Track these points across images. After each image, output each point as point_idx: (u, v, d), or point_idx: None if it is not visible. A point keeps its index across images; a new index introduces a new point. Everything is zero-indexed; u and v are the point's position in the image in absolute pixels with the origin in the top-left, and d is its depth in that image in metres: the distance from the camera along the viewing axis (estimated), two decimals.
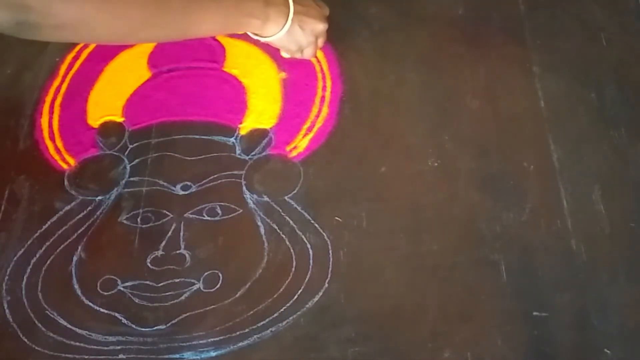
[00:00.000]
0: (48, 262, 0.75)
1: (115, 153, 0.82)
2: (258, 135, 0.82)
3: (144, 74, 0.89)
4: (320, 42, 0.82)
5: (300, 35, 0.76)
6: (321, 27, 0.78)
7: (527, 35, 0.88)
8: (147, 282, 0.74)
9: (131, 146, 0.82)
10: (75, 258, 0.75)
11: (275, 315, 0.71)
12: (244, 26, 0.71)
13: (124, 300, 0.73)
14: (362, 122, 0.83)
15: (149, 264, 0.75)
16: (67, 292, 0.73)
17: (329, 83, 0.86)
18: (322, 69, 0.87)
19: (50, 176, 0.80)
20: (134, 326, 0.71)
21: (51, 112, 0.86)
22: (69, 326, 0.71)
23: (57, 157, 0.82)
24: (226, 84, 0.87)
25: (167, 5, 0.61)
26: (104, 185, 0.80)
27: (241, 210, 0.77)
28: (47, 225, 0.77)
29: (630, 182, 0.77)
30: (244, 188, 0.79)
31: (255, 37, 0.77)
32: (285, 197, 0.78)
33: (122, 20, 0.58)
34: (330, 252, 0.74)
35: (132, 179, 0.80)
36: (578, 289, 0.71)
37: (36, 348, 0.70)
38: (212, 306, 0.72)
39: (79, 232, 0.77)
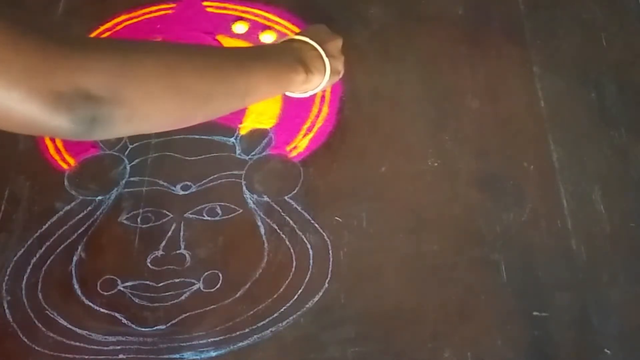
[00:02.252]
0: (48, 262, 0.75)
1: (115, 153, 0.82)
2: (258, 135, 0.82)
3: None
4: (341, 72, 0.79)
5: (335, 64, 0.73)
6: (340, 41, 0.76)
7: (527, 35, 0.88)
8: (147, 282, 0.74)
9: (131, 146, 0.82)
10: (75, 258, 0.75)
11: (275, 315, 0.71)
12: (293, 82, 0.67)
13: (124, 300, 0.73)
14: (362, 122, 0.83)
15: (149, 264, 0.75)
16: (67, 292, 0.73)
17: None
18: None
19: (50, 176, 0.80)
20: (134, 326, 0.71)
21: None
22: (69, 326, 0.71)
23: (57, 157, 0.82)
24: None
25: (225, 71, 0.58)
26: (104, 185, 0.80)
27: (241, 210, 0.77)
28: (47, 225, 0.77)
29: (630, 182, 0.77)
30: (244, 188, 0.79)
31: (303, 95, 0.73)
32: (285, 197, 0.78)
33: (188, 95, 0.54)
34: (330, 252, 0.74)
35: (132, 179, 0.80)
36: (578, 289, 0.71)
37: (36, 348, 0.70)
38: (212, 306, 0.72)
39: (79, 232, 0.77)
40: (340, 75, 0.78)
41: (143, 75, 0.50)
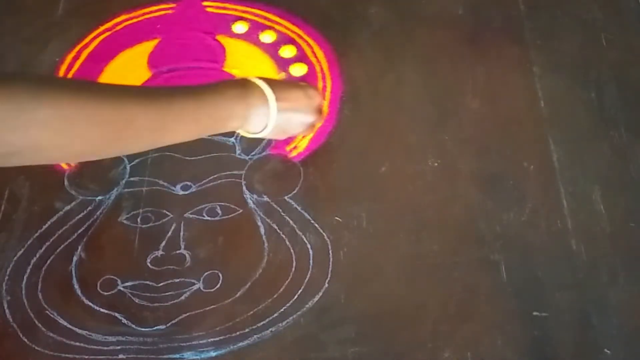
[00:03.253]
0: (48, 262, 0.75)
1: None
2: None
3: (144, 74, 0.89)
4: (316, 125, 0.74)
5: (288, 128, 0.68)
6: (310, 119, 0.70)
7: (527, 35, 0.88)
8: (147, 282, 0.74)
9: None
10: (75, 258, 0.75)
11: (275, 315, 0.71)
12: (221, 130, 0.63)
13: (124, 300, 0.73)
14: (362, 122, 0.83)
15: (149, 264, 0.75)
16: (67, 292, 0.73)
17: (329, 83, 0.86)
18: (322, 69, 0.87)
19: (50, 176, 0.80)
20: (134, 326, 0.71)
21: None
22: (69, 326, 0.71)
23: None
24: None
25: (135, 125, 0.54)
26: (104, 185, 0.80)
27: (241, 210, 0.77)
28: (47, 225, 0.77)
29: (630, 182, 0.77)
30: (244, 188, 0.79)
31: (243, 133, 0.67)
32: (285, 197, 0.78)
33: (82, 142, 0.52)
34: (330, 252, 0.74)
35: (132, 179, 0.80)
36: (578, 289, 0.71)
37: (36, 348, 0.70)
38: (212, 306, 0.72)
39: (79, 232, 0.77)
40: (315, 126, 0.73)
41: (33, 124, 0.48)
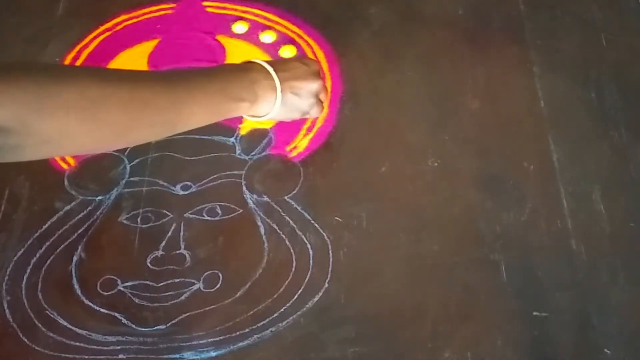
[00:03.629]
0: (48, 262, 0.75)
1: (115, 153, 0.81)
2: (258, 135, 0.82)
3: None
4: (323, 97, 0.74)
5: (297, 102, 0.69)
6: (316, 85, 0.70)
7: (527, 35, 0.88)
8: (147, 282, 0.74)
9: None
10: (75, 258, 0.75)
11: (275, 315, 0.71)
12: (234, 111, 0.64)
13: (124, 300, 0.73)
14: (362, 122, 0.83)
15: (149, 264, 0.75)
16: (67, 292, 0.73)
17: (329, 83, 0.86)
18: (322, 69, 0.87)
19: (50, 176, 0.80)
20: (134, 326, 0.71)
21: None
22: (69, 326, 0.71)
23: (57, 157, 0.82)
24: None
25: (153, 104, 0.56)
26: (104, 185, 0.80)
27: (241, 210, 0.77)
28: (47, 225, 0.77)
29: (630, 182, 0.77)
30: (244, 188, 0.79)
31: (253, 119, 0.69)
32: (285, 197, 0.78)
33: (106, 127, 0.53)
34: (330, 252, 0.74)
35: (132, 178, 0.80)
36: (578, 289, 0.71)
37: (36, 348, 0.70)
38: (212, 306, 0.72)
39: (79, 232, 0.77)
40: (310, 116, 0.74)
41: (58, 108, 0.49)
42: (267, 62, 0.67)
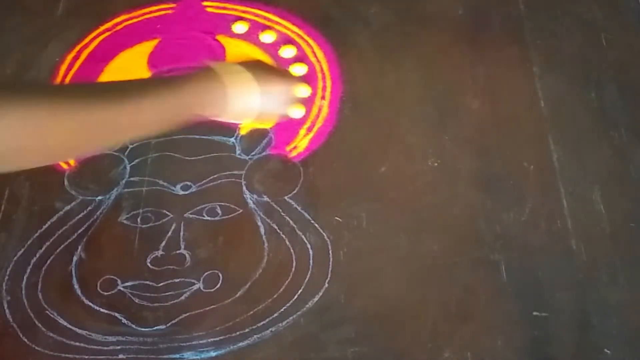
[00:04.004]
0: (48, 262, 0.75)
1: (115, 153, 0.81)
2: (258, 135, 0.82)
3: (144, 74, 0.88)
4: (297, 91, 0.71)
5: (272, 103, 0.65)
6: (292, 83, 0.68)
7: (527, 35, 0.88)
8: (147, 282, 0.74)
9: (131, 146, 0.82)
10: (75, 258, 0.75)
11: (275, 315, 0.71)
12: (192, 116, 0.60)
13: (124, 300, 0.73)
14: (362, 122, 0.83)
15: (149, 264, 0.75)
16: (67, 292, 0.73)
17: (329, 83, 0.86)
18: (322, 69, 0.87)
19: (50, 176, 0.80)
20: (134, 326, 0.71)
21: None
22: (69, 326, 0.71)
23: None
24: None
25: (97, 121, 0.54)
26: (104, 185, 0.80)
27: (241, 210, 0.77)
28: (47, 225, 0.77)
29: (630, 182, 0.77)
30: (244, 188, 0.79)
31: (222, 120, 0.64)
32: (285, 197, 0.78)
33: (55, 143, 0.53)
34: (330, 252, 0.74)
35: (132, 179, 0.80)
36: (578, 289, 0.71)
37: (36, 348, 0.70)
38: (212, 306, 0.72)
39: (79, 232, 0.77)
40: (282, 118, 0.71)
41: (3, 130, 0.48)
42: (241, 65, 0.63)
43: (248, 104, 0.62)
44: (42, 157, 0.56)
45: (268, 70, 0.66)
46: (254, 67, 0.64)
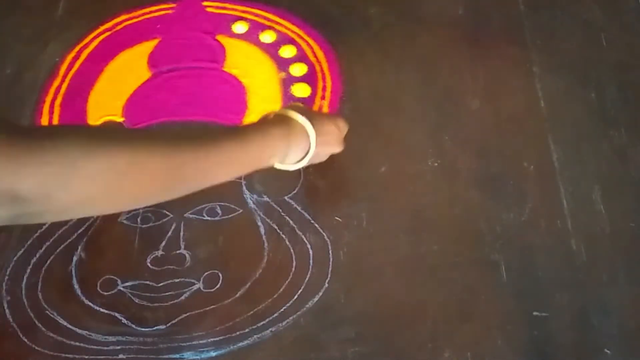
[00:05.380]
0: (48, 262, 0.75)
1: None
2: None
3: (144, 74, 0.89)
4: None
5: (316, 158, 0.70)
6: (337, 150, 0.73)
7: (527, 35, 0.88)
8: (147, 282, 0.74)
9: None
10: (75, 258, 0.75)
11: (275, 315, 0.71)
12: (262, 166, 0.64)
13: (124, 300, 0.73)
14: (362, 122, 0.83)
15: (149, 264, 0.75)
16: (67, 292, 0.73)
17: (329, 83, 0.86)
18: (322, 69, 0.87)
19: None
20: (134, 326, 0.71)
21: (51, 112, 0.86)
22: (69, 326, 0.71)
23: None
24: (226, 84, 0.87)
25: (181, 175, 0.55)
26: None
27: (241, 210, 0.77)
28: (47, 225, 0.77)
29: (630, 182, 0.77)
30: (244, 188, 0.79)
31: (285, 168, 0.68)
32: (285, 197, 0.78)
33: (132, 193, 0.52)
34: (330, 252, 0.74)
35: None
36: (578, 289, 0.71)
37: (36, 348, 0.70)
38: (212, 306, 0.72)
39: (79, 232, 0.77)
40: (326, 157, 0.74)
41: (84, 181, 0.47)
42: (310, 117, 0.65)
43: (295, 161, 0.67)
44: (126, 202, 0.54)
45: (315, 112, 0.70)
46: (302, 109, 0.67)
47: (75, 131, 0.50)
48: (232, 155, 0.59)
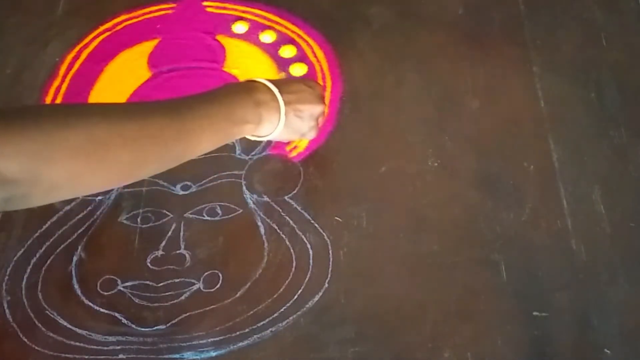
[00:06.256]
0: (48, 262, 0.75)
1: None
2: None
3: (144, 74, 0.89)
4: (321, 120, 0.75)
5: (299, 124, 0.69)
6: (319, 109, 0.71)
7: (527, 35, 0.88)
8: (147, 282, 0.74)
9: None
10: (75, 258, 0.75)
11: (275, 315, 0.71)
12: (238, 134, 0.64)
13: (124, 300, 0.73)
14: (362, 122, 0.83)
15: (149, 264, 0.75)
16: (67, 292, 0.73)
17: (329, 83, 0.86)
18: (322, 69, 0.87)
19: None
20: (134, 326, 0.71)
21: None
22: (69, 326, 0.71)
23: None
24: None
25: (160, 139, 0.55)
26: None
27: (241, 210, 0.77)
28: (47, 225, 0.77)
29: (630, 182, 0.77)
30: (244, 188, 0.79)
31: (254, 138, 0.68)
32: (285, 197, 0.78)
33: (115, 167, 0.52)
34: (330, 252, 0.74)
35: None
36: (578, 289, 0.71)
37: (36, 348, 0.70)
38: (212, 306, 0.72)
39: (79, 232, 0.77)
40: (306, 138, 0.74)
41: (67, 154, 0.48)
42: (271, 81, 0.67)
43: (274, 124, 0.66)
44: (103, 181, 0.54)
45: (298, 89, 0.69)
46: (284, 85, 0.67)
47: (52, 107, 0.51)
48: (205, 117, 0.59)
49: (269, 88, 0.66)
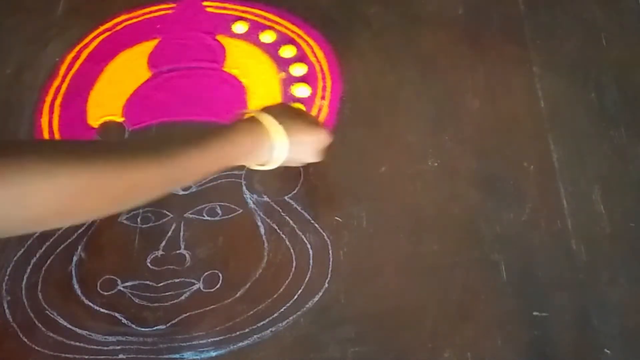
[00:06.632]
0: (48, 262, 0.75)
1: None
2: None
3: (144, 74, 0.89)
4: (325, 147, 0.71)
5: (302, 153, 0.67)
6: (311, 161, 0.69)
7: (527, 35, 0.88)
8: (147, 282, 0.74)
9: None
10: (75, 258, 0.75)
11: (275, 315, 0.71)
12: (229, 166, 0.61)
13: (124, 300, 0.73)
14: (362, 122, 0.83)
15: (149, 264, 0.75)
16: (67, 292, 0.73)
17: (329, 83, 0.86)
18: (322, 69, 0.87)
19: None
20: (134, 326, 0.71)
21: (51, 112, 0.86)
22: (69, 326, 0.71)
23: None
24: (226, 84, 0.87)
25: (144, 184, 0.54)
26: None
27: (241, 210, 0.77)
28: None
29: (630, 182, 0.77)
30: (244, 188, 0.79)
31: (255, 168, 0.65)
32: (285, 197, 0.78)
33: (97, 205, 0.52)
34: (330, 252, 0.74)
35: None
36: (578, 289, 0.71)
37: (36, 348, 0.70)
38: (212, 306, 0.72)
39: (79, 232, 0.77)
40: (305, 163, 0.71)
41: (43, 201, 0.47)
42: (279, 121, 0.62)
43: (279, 155, 0.63)
44: (84, 217, 0.55)
45: (298, 119, 0.66)
46: (284, 114, 0.64)
47: (39, 148, 0.51)
48: (192, 163, 0.58)
49: (274, 143, 0.62)
